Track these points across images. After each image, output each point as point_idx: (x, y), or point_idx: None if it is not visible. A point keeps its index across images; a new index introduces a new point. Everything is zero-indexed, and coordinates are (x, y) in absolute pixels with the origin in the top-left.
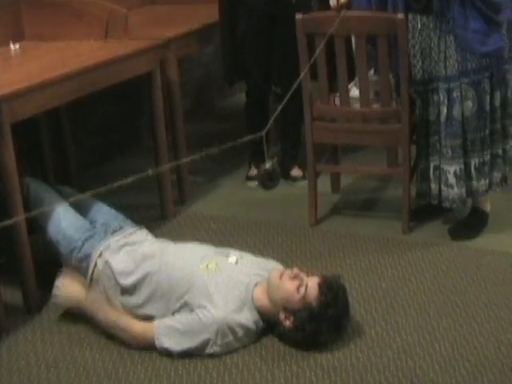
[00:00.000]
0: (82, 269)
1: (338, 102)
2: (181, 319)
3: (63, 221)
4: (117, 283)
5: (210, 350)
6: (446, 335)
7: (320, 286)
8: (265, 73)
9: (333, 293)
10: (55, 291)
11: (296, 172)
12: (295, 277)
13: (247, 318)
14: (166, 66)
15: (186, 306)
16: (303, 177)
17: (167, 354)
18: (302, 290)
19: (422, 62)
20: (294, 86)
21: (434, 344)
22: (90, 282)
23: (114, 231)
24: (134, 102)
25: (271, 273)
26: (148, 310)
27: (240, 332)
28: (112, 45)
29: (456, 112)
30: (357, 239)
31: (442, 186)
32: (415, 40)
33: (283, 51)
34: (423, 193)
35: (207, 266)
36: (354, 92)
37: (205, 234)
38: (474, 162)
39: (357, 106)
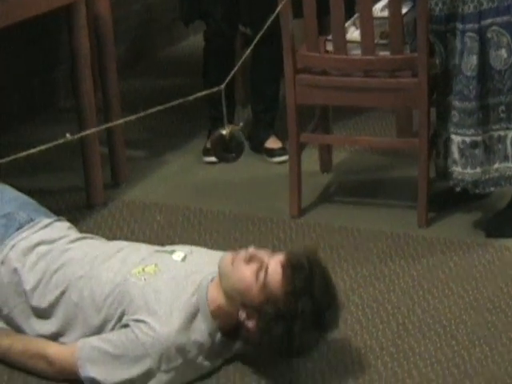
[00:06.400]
0: None
1: (330, 47)
2: (112, 338)
3: None
4: (27, 301)
5: (153, 382)
6: (481, 369)
7: (284, 267)
8: (230, 7)
9: (303, 275)
10: None
11: (272, 143)
12: (251, 258)
13: (201, 329)
14: None
15: (118, 326)
16: (282, 150)
17: None
18: (262, 275)
19: None
20: (269, 21)
21: (465, 381)
22: None
23: (21, 225)
24: (48, 46)
25: (222, 259)
26: (69, 338)
27: (192, 351)
28: None
29: (467, 63)
30: (356, 236)
31: (449, 161)
32: None
33: None
34: (443, 172)
35: (143, 269)
36: (353, 33)
37: (146, 228)
38: (510, 135)
39: (356, 52)
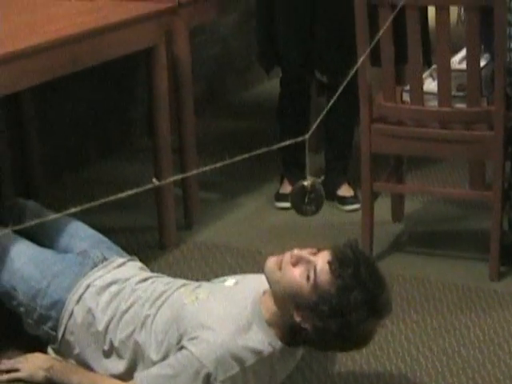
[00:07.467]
0: (49, 320)
1: (407, 97)
2: (169, 362)
3: (17, 258)
4: (99, 342)
5: None
6: None
7: (331, 263)
8: (306, 54)
9: (350, 269)
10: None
11: (345, 191)
12: (298, 261)
13: (258, 338)
14: (173, 39)
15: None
16: (354, 198)
17: None
18: (312, 275)
19: None
20: (351, 73)
21: None
22: (61, 339)
23: (95, 264)
24: (125, 86)
25: (266, 264)
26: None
27: (250, 359)
28: (101, 7)
29: None
30: (426, 287)
31: None
32: None
33: (332, 25)
34: None
35: (196, 297)
36: (430, 85)
37: (217, 270)
38: None
39: (433, 104)
